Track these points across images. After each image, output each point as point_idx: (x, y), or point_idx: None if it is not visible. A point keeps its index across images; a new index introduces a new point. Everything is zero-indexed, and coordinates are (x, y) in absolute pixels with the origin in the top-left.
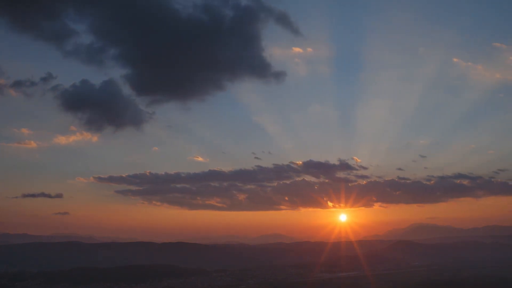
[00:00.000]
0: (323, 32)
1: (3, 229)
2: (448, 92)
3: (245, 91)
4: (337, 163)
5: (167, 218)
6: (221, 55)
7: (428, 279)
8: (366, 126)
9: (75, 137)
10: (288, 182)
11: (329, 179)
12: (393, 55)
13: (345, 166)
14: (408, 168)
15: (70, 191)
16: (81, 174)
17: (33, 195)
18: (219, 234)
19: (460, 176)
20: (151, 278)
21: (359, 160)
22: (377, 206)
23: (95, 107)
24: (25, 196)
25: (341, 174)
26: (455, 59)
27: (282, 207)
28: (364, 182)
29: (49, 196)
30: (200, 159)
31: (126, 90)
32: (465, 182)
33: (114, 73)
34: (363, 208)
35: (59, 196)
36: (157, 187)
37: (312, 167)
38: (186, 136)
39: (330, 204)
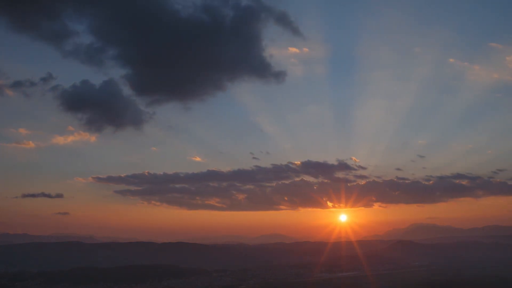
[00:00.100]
0: (319, 32)
1: (3, 229)
2: (445, 92)
3: (244, 91)
4: (335, 163)
5: (167, 218)
6: (221, 55)
7: (428, 279)
8: (364, 126)
9: (73, 137)
10: (287, 182)
11: (328, 179)
12: (390, 55)
13: (343, 166)
14: (407, 168)
15: (69, 191)
16: (79, 174)
17: (33, 195)
18: (219, 234)
19: (459, 176)
20: (151, 278)
21: (357, 160)
22: (376, 206)
23: (95, 107)
24: (25, 196)
25: (340, 174)
26: (451, 59)
27: (282, 207)
28: (363, 182)
29: (49, 196)
30: (198, 159)
31: (126, 90)
32: (464, 182)
33: (114, 73)
34: (362, 208)
35: (59, 196)
36: (156, 187)
37: (311, 167)
38: (185, 136)
39: (329, 204)
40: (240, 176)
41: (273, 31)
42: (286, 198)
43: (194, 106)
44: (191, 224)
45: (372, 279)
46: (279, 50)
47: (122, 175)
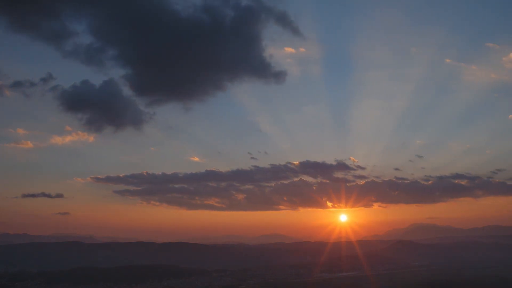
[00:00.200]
0: (317, 32)
1: (3, 229)
2: (442, 92)
3: (243, 92)
4: (334, 163)
5: (166, 218)
6: (221, 55)
7: (428, 279)
8: (362, 126)
9: (71, 137)
10: (286, 182)
11: (327, 179)
12: (387, 55)
13: (342, 166)
14: (405, 168)
15: (69, 191)
16: (78, 174)
17: (33, 195)
18: (219, 234)
19: (458, 176)
20: (151, 278)
21: (356, 160)
22: (376, 206)
23: (95, 107)
24: (25, 196)
25: (339, 174)
26: (447, 60)
27: (281, 207)
28: (362, 182)
29: (49, 196)
30: (196, 159)
31: (126, 90)
32: (463, 182)
33: (114, 73)
34: (362, 208)
35: (59, 196)
36: (155, 187)
37: (309, 167)
38: (183, 136)
39: (329, 204)
40: (239, 176)
41: (273, 31)
42: (285, 198)
43: (194, 106)
44: (191, 224)
45: (372, 279)
46: (279, 50)
47: (121, 175)
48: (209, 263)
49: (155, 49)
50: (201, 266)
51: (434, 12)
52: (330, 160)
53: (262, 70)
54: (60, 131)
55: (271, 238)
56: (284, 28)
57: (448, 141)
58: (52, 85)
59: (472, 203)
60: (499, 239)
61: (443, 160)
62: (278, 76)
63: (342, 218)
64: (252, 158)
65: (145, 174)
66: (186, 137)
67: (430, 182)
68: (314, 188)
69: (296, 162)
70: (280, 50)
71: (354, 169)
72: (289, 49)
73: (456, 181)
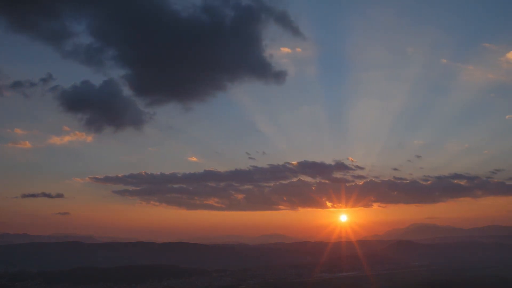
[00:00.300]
0: (315, 32)
1: (3, 229)
2: (439, 92)
3: (243, 92)
4: (332, 163)
5: (166, 218)
6: (221, 55)
7: (428, 279)
8: (360, 126)
9: (69, 137)
10: (285, 182)
11: (326, 179)
12: (384, 55)
13: (341, 166)
14: (404, 168)
15: (69, 191)
16: (77, 174)
17: (33, 195)
18: (219, 234)
19: (457, 176)
20: (151, 278)
21: (354, 160)
22: (376, 206)
23: (94, 107)
24: (25, 196)
25: (337, 175)
26: (444, 60)
27: (281, 207)
28: (361, 182)
29: (49, 196)
30: (194, 159)
31: (126, 90)
32: (462, 182)
33: (113, 73)
34: (362, 208)
35: (59, 196)
36: (154, 187)
37: (308, 167)
38: (182, 136)
39: (329, 204)
40: (238, 176)
41: (273, 31)
42: (285, 198)
43: (194, 107)
44: (191, 224)
45: (372, 279)
46: (279, 50)
47: (120, 175)
48: (209, 263)
49: (155, 49)
50: (201, 266)
51: (430, 12)
52: (329, 160)
53: (262, 70)
54: (59, 131)
55: (271, 238)
56: (284, 28)
57: (446, 141)
58: (52, 85)
59: (471, 203)
60: (499, 239)
61: (442, 160)
62: (278, 76)
63: (342, 218)
64: (250, 158)
65: (143, 174)
66: (185, 137)
67: (429, 182)
68: (313, 188)
69: (294, 162)
70: (280, 50)
71: (353, 169)
72: (285, 49)
73: (455, 181)
